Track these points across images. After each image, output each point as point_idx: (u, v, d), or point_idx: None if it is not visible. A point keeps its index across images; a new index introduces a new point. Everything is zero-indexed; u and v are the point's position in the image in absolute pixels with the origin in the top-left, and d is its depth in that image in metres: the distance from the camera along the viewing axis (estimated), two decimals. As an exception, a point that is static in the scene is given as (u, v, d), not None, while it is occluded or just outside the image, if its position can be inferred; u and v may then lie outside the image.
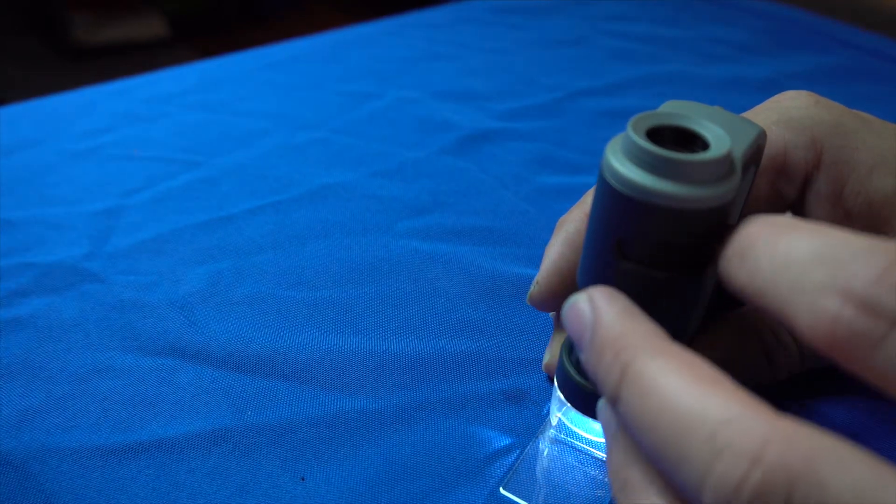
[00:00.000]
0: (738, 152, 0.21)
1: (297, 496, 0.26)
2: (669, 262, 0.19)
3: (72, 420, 0.29)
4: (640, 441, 0.15)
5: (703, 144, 0.19)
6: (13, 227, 0.40)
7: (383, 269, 0.38)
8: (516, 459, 0.28)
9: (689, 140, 0.20)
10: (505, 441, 0.29)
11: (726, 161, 0.19)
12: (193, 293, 0.36)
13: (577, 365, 0.24)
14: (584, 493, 0.27)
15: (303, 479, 0.27)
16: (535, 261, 0.38)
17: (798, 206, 0.27)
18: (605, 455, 0.20)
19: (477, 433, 0.29)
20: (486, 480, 0.27)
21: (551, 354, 0.30)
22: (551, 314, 0.32)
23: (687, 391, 0.15)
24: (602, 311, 0.18)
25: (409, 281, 0.37)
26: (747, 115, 0.27)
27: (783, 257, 0.15)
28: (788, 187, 0.26)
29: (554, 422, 0.28)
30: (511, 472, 0.27)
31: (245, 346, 0.33)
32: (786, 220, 0.16)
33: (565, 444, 0.28)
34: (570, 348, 0.25)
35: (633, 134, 0.18)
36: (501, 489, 0.27)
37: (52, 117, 0.51)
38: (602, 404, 0.19)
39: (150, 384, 0.31)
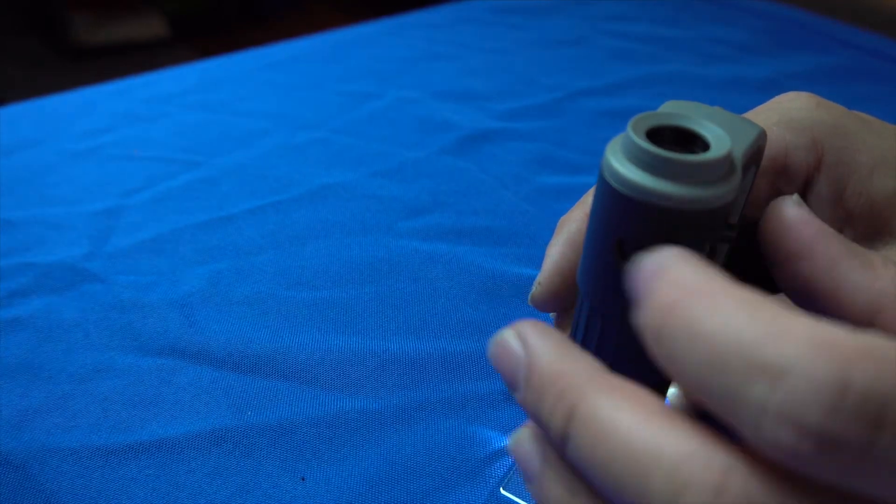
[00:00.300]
0: (739, 153, 0.21)
1: (297, 496, 0.26)
2: (669, 262, 0.19)
3: (72, 420, 0.29)
4: (594, 481, 0.15)
5: (703, 145, 0.19)
6: (13, 227, 0.40)
7: (383, 269, 0.38)
8: (516, 459, 0.28)
9: (690, 140, 0.20)
10: (505, 441, 0.29)
11: (726, 161, 0.19)
12: (193, 293, 0.36)
13: None
14: (584, 493, 0.26)
15: (303, 479, 0.27)
16: (535, 261, 0.38)
17: None
18: None
19: (477, 433, 0.29)
20: (485, 480, 0.27)
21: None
22: (552, 315, 0.32)
23: (642, 429, 0.14)
24: (536, 348, 0.17)
25: (410, 281, 0.37)
26: (748, 115, 0.27)
27: (706, 350, 0.13)
28: (789, 189, 0.26)
29: (554, 422, 0.28)
30: (511, 472, 0.27)
31: (245, 346, 0.33)
32: (697, 281, 0.14)
33: (565, 444, 0.28)
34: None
35: (633, 134, 0.18)
36: (501, 489, 0.27)
37: (52, 117, 0.51)
38: (520, 437, 0.18)
39: (150, 384, 0.31)
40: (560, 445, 0.16)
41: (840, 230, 0.26)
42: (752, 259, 0.22)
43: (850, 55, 0.66)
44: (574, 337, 0.23)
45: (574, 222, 0.27)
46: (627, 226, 0.19)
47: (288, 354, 0.32)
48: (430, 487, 0.27)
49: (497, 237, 0.40)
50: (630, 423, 0.14)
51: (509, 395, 0.31)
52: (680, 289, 0.14)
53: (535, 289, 0.28)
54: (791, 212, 0.20)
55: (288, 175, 0.45)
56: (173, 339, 0.33)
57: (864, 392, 0.12)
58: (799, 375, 0.12)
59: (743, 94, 0.59)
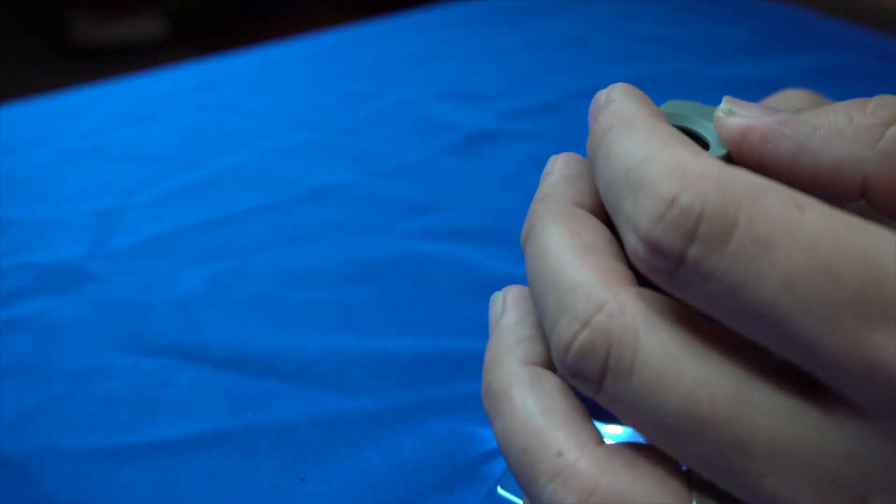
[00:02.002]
0: None
1: (297, 497, 0.26)
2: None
3: (71, 420, 0.29)
4: (531, 290, 0.17)
5: (702, 144, 0.19)
6: (13, 227, 0.40)
7: (383, 269, 0.38)
8: (516, 460, 0.28)
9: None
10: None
11: (725, 161, 0.19)
12: (193, 293, 0.36)
13: None
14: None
15: (303, 480, 0.27)
16: (535, 261, 0.38)
17: None
18: None
19: (476, 432, 0.29)
20: (484, 479, 0.27)
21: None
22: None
23: (561, 257, 0.16)
24: (548, 171, 0.19)
25: (409, 281, 0.37)
26: None
27: (608, 174, 0.15)
28: None
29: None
30: (508, 471, 0.27)
31: (245, 346, 0.33)
32: (630, 114, 0.16)
33: (565, 444, 0.28)
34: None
35: (633, 134, 0.18)
36: (499, 488, 0.27)
37: (52, 117, 0.51)
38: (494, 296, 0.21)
39: (150, 384, 0.31)
40: (524, 252, 0.18)
41: None
42: None
43: (850, 55, 0.66)
44: None
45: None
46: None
47: (288, 354, 0.32)
48: (429, 487, 0.27)
49: (497, 237, 0.40)
50: (557, 249, 0.16)
51: None
52: (616, 119, 0.16)
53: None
54: (729, 128, 0.19)
55: (288, 175, 0.45)
56: (173, 339, 0.33)
57: (685, 207, 0.13)
58: (647, 191, 0.14)
59: (743, 94, 0.58)
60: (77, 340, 0.33)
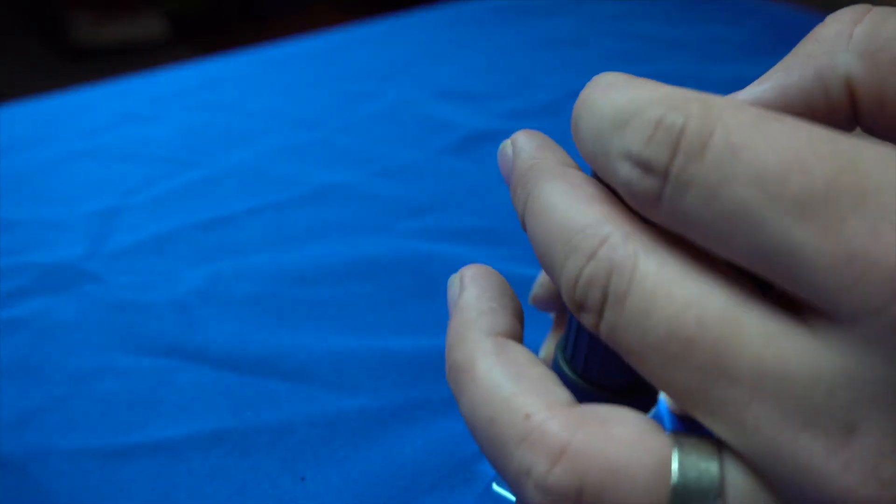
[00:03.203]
0: None
1: (297, 496, 0.26)
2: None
3: (71, 421, 0.29)
4: (537, 255, 0.17)
5: None
6: (13, 227, 0.40)
7: (383, 268, 0.38)
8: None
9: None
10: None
11: None
12: (193, 293, 0.36)
13: (571, 362, 0.24)
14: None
15: (303, 480, 0.27)
16: (535, 261, 0.38)
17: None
18: None
19: (477, 433, 0.29)
20: (481, 477, 0.27)
21: (546, 352, 0.30)
22: (552, 315, 0.32)
23: (565, 207, 0.16)
24: (519, 150, 0.19)
25: (409, 281, 0.37)
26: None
27: (595, 124, 0.16)
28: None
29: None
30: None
31: (244, 346, 0.33)
32: (615, 78, 0.16)
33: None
34: (565, 346, 0.25)
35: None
36: (493, 485, 0.27)
37: (52, 117, 0.51)
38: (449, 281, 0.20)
39: (149, 384, 0.31)
40: (522, 226, 0.18)
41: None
42: None
43: (851, 55, 0.66)
44: (568, 334, 0.23)
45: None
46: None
47: (287, 354, 0.32)
48: (428, 485, 0.27)
49: (497, 237, 0.40)
50: (559, 201, 0.17)
51: None
52: (598, 82, 0.17)
53: (537, 289, 0.28)
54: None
55: (288, 175, 0.45)
56: (173, 339, 0.33)
57: (670, 124, 0.14)
58: (637, 119, 0.14)
59: (743, 94, 0.58)
60: (77, 340, 0.33)
